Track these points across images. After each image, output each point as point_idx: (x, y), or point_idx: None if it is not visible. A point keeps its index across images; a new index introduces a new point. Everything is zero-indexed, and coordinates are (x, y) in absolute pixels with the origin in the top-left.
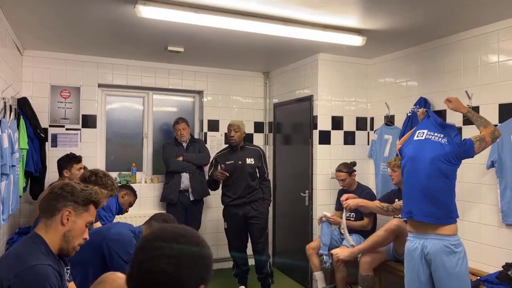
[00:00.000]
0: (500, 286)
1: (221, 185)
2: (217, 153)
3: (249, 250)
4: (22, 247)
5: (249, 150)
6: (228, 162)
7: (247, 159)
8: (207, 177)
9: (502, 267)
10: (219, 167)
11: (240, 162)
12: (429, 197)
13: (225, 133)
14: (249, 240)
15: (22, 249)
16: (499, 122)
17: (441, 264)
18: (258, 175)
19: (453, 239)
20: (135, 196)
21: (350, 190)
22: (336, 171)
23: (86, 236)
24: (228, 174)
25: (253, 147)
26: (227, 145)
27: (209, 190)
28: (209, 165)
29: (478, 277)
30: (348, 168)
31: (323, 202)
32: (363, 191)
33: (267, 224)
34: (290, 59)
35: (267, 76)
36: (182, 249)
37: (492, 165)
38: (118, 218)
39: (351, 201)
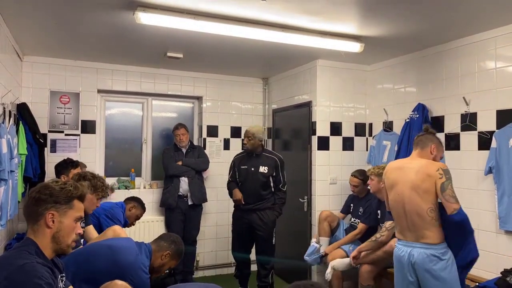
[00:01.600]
0: None
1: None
2: (236, 155)
3: (253, 255)
4: (12, 251)
5: (265, 158)
6: (242, 167)
7: (260, 167)
8: (205, 182)
9: (501, 273)
10: (236, 173)
11: (253, 169)
12: None
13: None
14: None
15: (11, 253)
16: (497, 128)
17: (428, 273)
18: (272, 184)
19: (439, 247)
20: (143, 209)
21: (360, 196)
22: (351, 176)
23: (79, 231)
24: (243, 203)
25: (270, 155)
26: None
27: (228, 193)
28: (229, 167)
29: (477, 284)
30: (363, 176)
31: (322, 207)
32: (369, 200)
33: (272, 234)
34: (289, 65)
35: (266, 82)
36: None
37: (490, 171)
38: None
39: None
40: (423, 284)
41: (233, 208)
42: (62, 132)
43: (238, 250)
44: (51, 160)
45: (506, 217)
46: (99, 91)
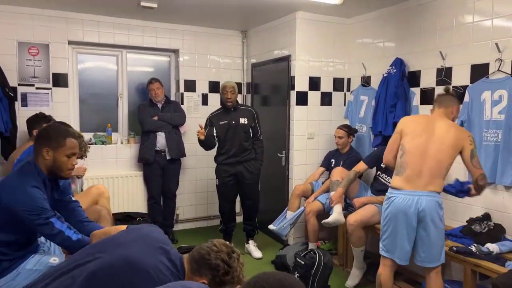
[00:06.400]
0: (464, 239)
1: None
2: (211, 114)
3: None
4: None
5: (242, 110)
6: (222, 123)
7: (240, 119)
8: (184, 138)
9: (466, 221)
10: (214, 128)
11: (233, 122)
12: None
13: (220, 95)
14: (239, 198)
15: None
16: (471, 83)
17: (432, 221)
18: (251, 135)
19: (440, 195)
20: None
21: (341, 152)
22: (337, 128)
23: None
24: (203, 130)
25: (246, 107)
26: (220, 106)
27: (217, 152)
28: (203, 125)
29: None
30: (348, 128)
31: (299, 162)
32: (350, 155)
33: (258, 182)
34: (268, 17)
35: (245, 35)
36: None
37: (461, 124)
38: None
39: (357, 201)
40: (424, 233)
41: (216, 164)
42: (33, 85)
43: (227, 204)
44: (23, 114)
45: None
46: (69, 42)
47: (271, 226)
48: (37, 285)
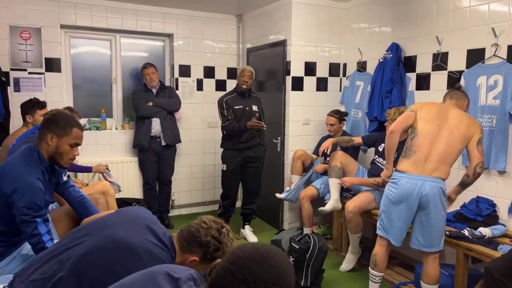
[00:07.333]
0: (456, 224)
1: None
2: (225, 96)
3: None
4: None
5: (254, 98)
6: (237, 107)
7: (253, 106)
8: (179, 124)
9: (460, 207)
10: (231, 111)
11: (247, 108)
12: None
13: (238, 78)
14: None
15: None
16: (466, 68)
17: (434, 206)
18: None
19: (445, 182)
20: None
21: (334, 137)
22: (328, 115)
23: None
24: (264, 125)
25: (255, 95)
26: (232, 89)
27: (227, 137)
28: (219, 107)
29: None
30: (339, 114)
31: (294, 148)
32: None
33: (263, 166)
34: (264, 0)
35: (240, 19)
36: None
37: None
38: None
39: (347, 180)
40: (425, 218)
41: (223, 150)
42: (25, 70)
43: (233, 189)
44: (16, 99)
45: None
46: (62, 26)
47: (278, 195)
48: (27, 270)
